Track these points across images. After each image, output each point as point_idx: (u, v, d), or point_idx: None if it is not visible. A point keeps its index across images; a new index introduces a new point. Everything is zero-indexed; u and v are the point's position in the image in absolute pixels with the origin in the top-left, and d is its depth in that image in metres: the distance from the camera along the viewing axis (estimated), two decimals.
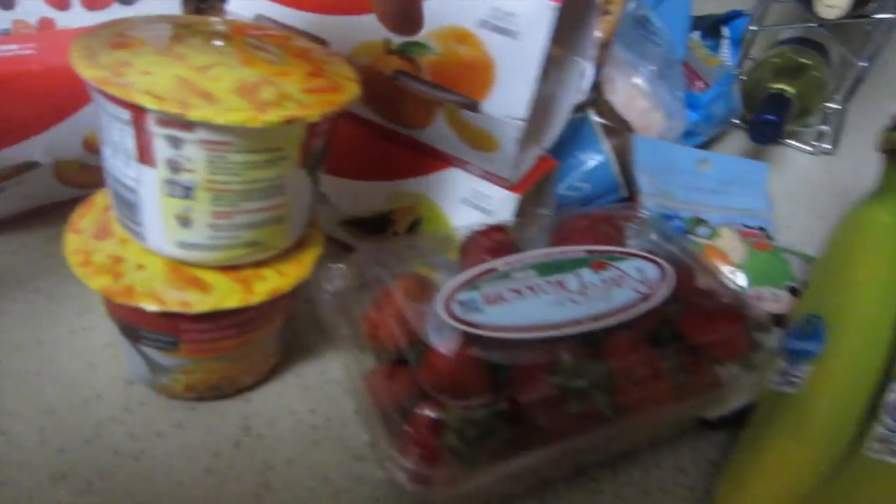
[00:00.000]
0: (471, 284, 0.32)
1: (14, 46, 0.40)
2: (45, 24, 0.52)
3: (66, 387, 0.34)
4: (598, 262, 0.34)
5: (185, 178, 0.27)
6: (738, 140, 0.77)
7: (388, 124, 0.39)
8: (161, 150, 0.26)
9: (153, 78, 0.26)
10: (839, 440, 0.33)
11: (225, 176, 0.27)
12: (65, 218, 0.33)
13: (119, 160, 0.27)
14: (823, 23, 0.69)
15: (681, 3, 0.58)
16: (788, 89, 0.73)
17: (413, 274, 0.34)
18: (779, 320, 0.42)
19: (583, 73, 0.40)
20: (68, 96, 0.40)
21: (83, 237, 0.31)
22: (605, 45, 0.48)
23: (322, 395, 0.37)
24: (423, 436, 0.26)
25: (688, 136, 0.66)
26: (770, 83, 0.75)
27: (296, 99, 0.27)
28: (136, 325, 0.30)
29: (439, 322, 0.30)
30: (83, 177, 0.43)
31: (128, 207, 0.28)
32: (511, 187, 0.39)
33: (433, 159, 0.40)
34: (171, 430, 0.34)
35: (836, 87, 0.78)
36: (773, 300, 0.43)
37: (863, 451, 0.32)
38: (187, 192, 0.27)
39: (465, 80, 0.34)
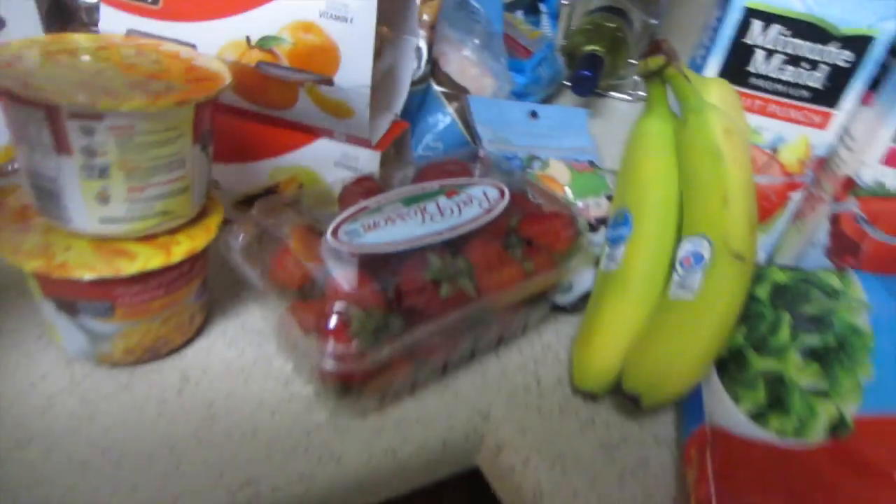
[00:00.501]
0: (351, 219, 0.39)
1: None
2: None
3: (9, 375, 0.38)
4: (450, 191, 0.43)
5: (99, 161, 0.32)
6: (568, 97, 0.90)
7: (260, 110, 0.46)
8: (76, 139, 0.31)
9: (58, 83, 0.31)
10: (651, 294, 0.43)
11: (134, 155, 0.33)
12: None
13: (38, 156, 0.32)
14: None
15: None
16: (599, 49, 0.86)
17: (302, 224, 0.41)
18: (604, 221, 0.53)
19: (416, 49, 0.49)
20: None
21: (6, 233, 0.35)
22: (433, 27, 0.57)
23: (245, 342, 0.43)
24: (335, 330, 0.34)
25: (522, 96, 0.77)
26: (584, 46, 0.88)
27: (180, 88, 0.34)
28: (73, 299, 0.35)
29: (333, 258, 0.38)
30: None
31: (50, 196, 0.33)
32: (373, 147, 0.47)
33: (304, 133, 0.47)
34: (118, 391, 0.39)
35: (638, 44, 0.93)
36: (597, 207, 0.53)
37: (666, 296, 0.42)
38: (103, 172, 0.33)
39: (316, 61, 0.42)
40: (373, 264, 0.38)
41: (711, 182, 0.43)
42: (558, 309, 0.49)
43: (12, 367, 0.39)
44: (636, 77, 0.95)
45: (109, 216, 0.34)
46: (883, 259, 0.51)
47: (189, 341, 0.42)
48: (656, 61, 0.45)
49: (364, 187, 0.43)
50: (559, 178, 0.55)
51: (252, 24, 0.42)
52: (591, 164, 0.63)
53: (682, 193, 0.45)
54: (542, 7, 0.97)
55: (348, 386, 0.38)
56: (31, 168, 0.33)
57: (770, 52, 0.48)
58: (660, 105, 0.47)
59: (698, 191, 0.44)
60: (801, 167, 0.52)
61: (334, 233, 0.38)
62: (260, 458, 0.36)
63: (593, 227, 0.52)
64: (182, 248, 0.37)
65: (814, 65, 0.48)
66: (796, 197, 0.53)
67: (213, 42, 0.43)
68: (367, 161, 0.47)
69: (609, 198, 0.54)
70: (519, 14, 0.95)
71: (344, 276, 0.37)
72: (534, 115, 0.65)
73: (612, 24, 0.90)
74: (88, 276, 0.34)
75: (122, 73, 0.34)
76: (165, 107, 0.32)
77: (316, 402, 0.40)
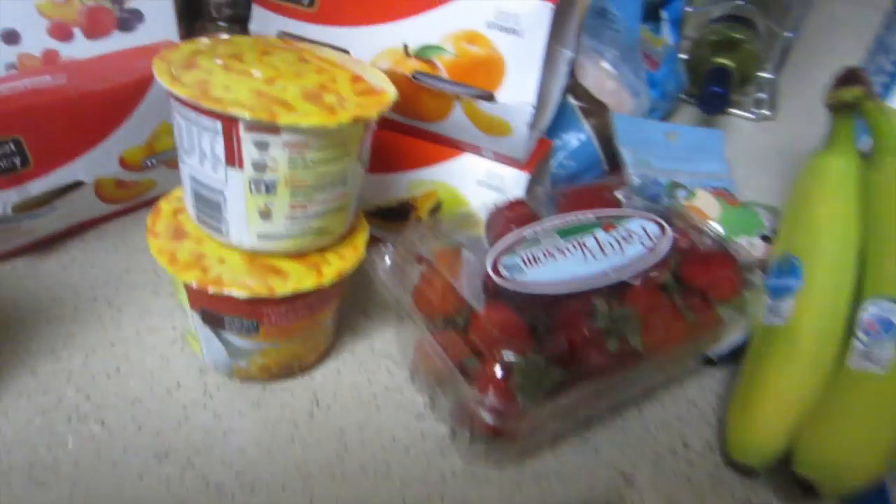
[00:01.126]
0: (510, 251, 0.36)
1: (47, 78, 0.42)
2: (50, 56, 0.54)
3: (147, 378, 0.37)
4: (607, 224, 0.40)
5: (268, 176, 0.30)
6: (687, 112, 0.84)
7: (407, 121, 0.44)
8: (249, 153, 0.29)
9: (235, 93, 0.29)
10: (825, 358, 0.38)
11: (302, 172, 0.31)
12: (102, 234, 0.37)
13: (207, 166, 0.31)
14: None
15: None
16: (728, 63, 0.81)
17: (448, 248, 0.39)
18: (759, 264, 0.48)
19: (567, 62, 0.45)
20: (103, 119, 0.43)
21: (162, 240, 0.34)
22: (578, 35, 0.53)
23: (375, 366, 0.41)
24: (498, 382, 0.31)
25: (650, 112, 0.72)
26: (711, 59, 0.82)
27: (353, 101, 0.31)
28: (220, 314, 0.34)
29: (477, 289, 0.35)
30: (119, 193, 0.46)
31: (212, 207, 0.32)
32: (521, 167, 0.44)
33: (448, 147, 0.44)
34: (250, 409, 0.37)
35: (766, 56, 0.86)
36: (750, 247, 0.49)
37: (846, 365, 0.37)
38: (270, 188, 0.31)
39: (479, 75, 0.39)
40: (528, 302, 0.35)
41: None
42: (705, 361, 0.45)
43: (149, 371, 0.38)
44: (760, 94, 0.89)
45: (268, 232, 0.32)
46: None
47: (320, 360, 0.40)
48: (853, 93, 0.40)
49: (516, 213, 0.40)
50: (708, 210, 0.51)
51: (411, 31, 0.39)
52: (727, 191, 0.58)
53: (864, 244, 0.40)
54: (664, 13, 0.90)
55: (491, 435, 0.36)
56: (196, 177, 0.32)
57: None
58: (845, 141, 0.42)
59: (887, 245, 0.39)
60: None
61: (494, 267, 0.35)
62: (395, 502, 0.34)
63: (751, 269, 0.47)
64: (332, 268, 0.35)
65: None
66: None
67: (369, 48, 0.41)
68: (514, 182, 0.44)
69: (764, 237, 0.50)
70: None
71: (497, 315, 0.34)
72: (672, 134, 0.61)
73: (738, 35, 0.84)
74: (242, 294, 0.32)
75: (293, 82, 0.32)
76: (343, 124, 0.29)
77: (451, 444, 0.37)
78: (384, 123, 0.44)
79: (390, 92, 0.34)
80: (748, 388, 0.40)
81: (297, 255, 0.34)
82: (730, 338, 0.45)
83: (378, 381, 0.40)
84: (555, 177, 0.56)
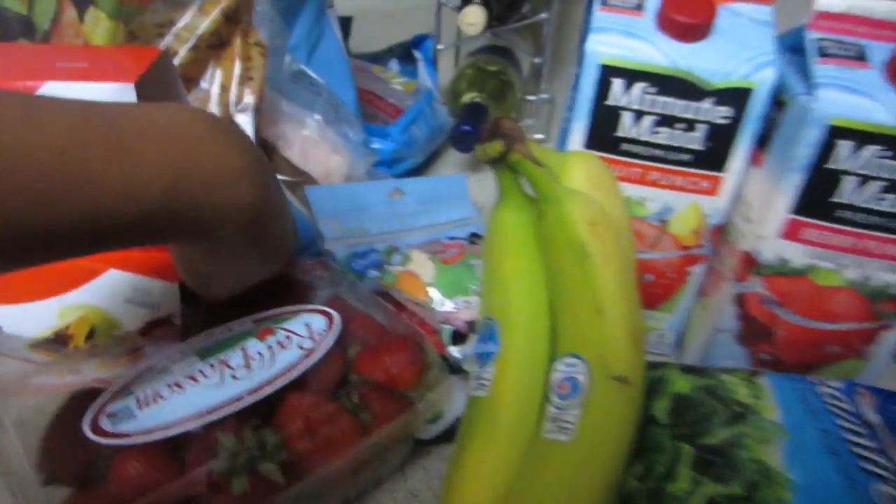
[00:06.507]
0: (125, 391, 0.32)
1: None
2: None
3: None
4: (264, 330, 0.37)
5: None
6: (453, 154, 0.85)
7: None
8: None
9: None
10: (524, 432, 0.36)
11: None
12: None
13: None
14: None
15: (332, 49, 0.63)
16: (480, 97, 0.82)
17: (83, 388, 0.34)
18: (474, 326, 0.47)
19: None
20: None
21: None
22: (258, 109, 0.51)
23: None
24: None
25: (394, 164, 0.71)
26: (464, 94, 0.84)
27: None
28: None
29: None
30: None
31: None
32: (172, 278, 0.40)
33: (91, 263, 0.40)
34: None
35: (530, 84, 0.89)
36: (467, 307, 0.48)
37: (540, 434, 0.35)
38: None
39: None
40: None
41: (580, 288, 0.37)
42: (419, 443, 0.43)
43: None
44: (529, 120, 0.91)
45: None
46: (802, 344, 0.47)
47: None
48: (494, 147, 0.39)
49: (155, 337, 0.36)
50: (423, 275, 0.50)
51: None
52: (476, 236, 0.58)
53: (551, 299, 0.40)
54: (417, 54, 0.92)
55: None
56: None
57: (638, 114, 0.44)
58: (512, 193, 0.41)
59: (566, 299, 0.38)
60: (696, 238, 0.48)
61: (96, 419, 0.31)
62: None
63: (462, 337, 0.46)
64: None
65: (690, 125, 0.44)
66: (697, 271, 0.50)
67: None
68: (164, 295, 0.40)
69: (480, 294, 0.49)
70: (393, 64, 0.91)
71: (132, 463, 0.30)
72: (396, 192, 0.60)
73: (493, 67, 0.86)
74: None
75: None
76: None
77: None
78: None
79: None
80: (452, 469, 0.38)
81: None
82: (451, 414, 0.43)
83: None
84: None
